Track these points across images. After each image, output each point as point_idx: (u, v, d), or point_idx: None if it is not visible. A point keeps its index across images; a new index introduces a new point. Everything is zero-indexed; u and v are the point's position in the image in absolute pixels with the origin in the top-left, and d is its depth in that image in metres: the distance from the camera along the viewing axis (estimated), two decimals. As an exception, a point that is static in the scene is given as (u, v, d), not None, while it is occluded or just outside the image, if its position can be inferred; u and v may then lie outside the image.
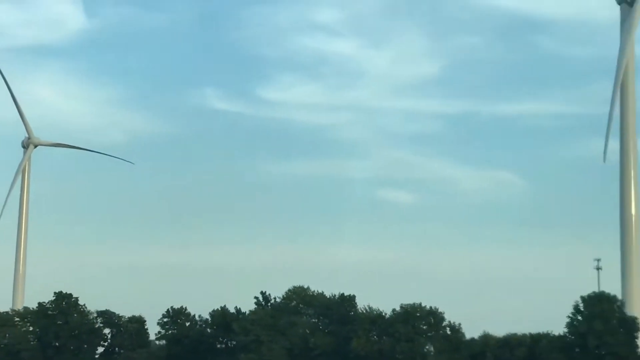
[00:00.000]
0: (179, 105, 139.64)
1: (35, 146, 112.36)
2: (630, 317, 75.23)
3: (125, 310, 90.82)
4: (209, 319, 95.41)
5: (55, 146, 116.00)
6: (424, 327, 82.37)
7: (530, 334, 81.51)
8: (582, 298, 74.49)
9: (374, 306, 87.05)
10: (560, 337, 78.73)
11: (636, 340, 74.78)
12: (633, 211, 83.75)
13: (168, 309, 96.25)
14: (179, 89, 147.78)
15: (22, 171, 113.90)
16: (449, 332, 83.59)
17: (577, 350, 73.94)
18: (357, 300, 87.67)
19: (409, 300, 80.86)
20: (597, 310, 72.13)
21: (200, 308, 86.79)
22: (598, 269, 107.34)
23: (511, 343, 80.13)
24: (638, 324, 75.29)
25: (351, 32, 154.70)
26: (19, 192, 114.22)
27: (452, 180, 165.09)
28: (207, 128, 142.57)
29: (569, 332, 77.10)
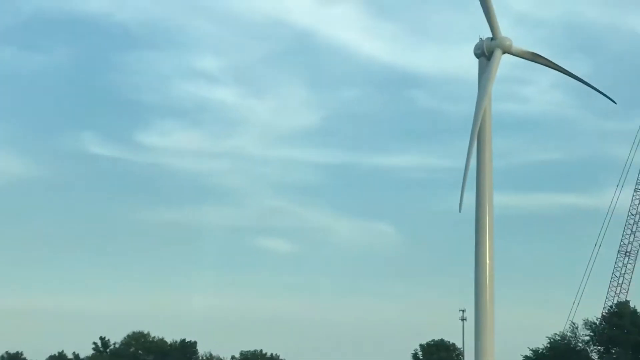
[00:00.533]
0: (56, 149, 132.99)
1: None
2: None
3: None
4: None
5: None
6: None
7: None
8: (421, 346, 74.11)
9: (215, 353, 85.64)
10: None
11: None
12: (487, 261, 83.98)
13: (3, 354, 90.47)
14: (56, 133, 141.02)
15: None
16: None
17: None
18: (199, 346, 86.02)
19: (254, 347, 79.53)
20: (435, 358, 71.95)
21: (38, 353, 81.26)
22: (463, 319, 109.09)
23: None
24: None
25: (233, 80, 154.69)
26: None
27: (329, 230, 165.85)
28: (83, 173, 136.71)
29: None
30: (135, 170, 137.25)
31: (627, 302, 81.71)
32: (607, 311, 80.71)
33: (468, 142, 73.71)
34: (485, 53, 79.17)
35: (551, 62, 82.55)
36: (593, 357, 70.57)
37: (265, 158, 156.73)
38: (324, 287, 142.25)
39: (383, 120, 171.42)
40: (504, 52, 78.63)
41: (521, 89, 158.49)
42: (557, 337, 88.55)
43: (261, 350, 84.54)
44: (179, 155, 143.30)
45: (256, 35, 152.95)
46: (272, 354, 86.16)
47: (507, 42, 76.96)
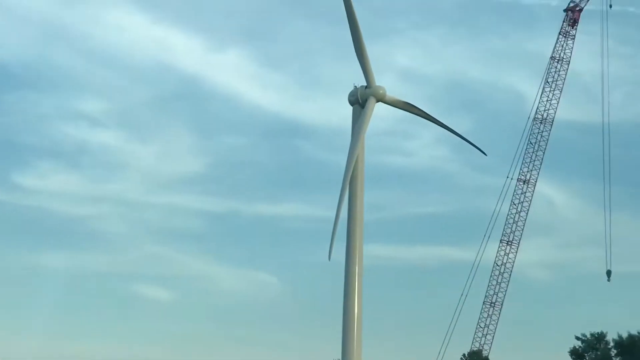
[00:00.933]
0: None
1: None
2: None
3: None
4: None
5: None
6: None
7: None
8: None
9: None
10: None
11: None
12: (355, 310, 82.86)
13: None
14: None
15: None
16: None
17: None
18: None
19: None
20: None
21: None
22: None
23: None
24: None
25: (116, 123, 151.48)
26: None
27: (210, 278, 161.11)
28: None
29: None
30: (12, 212, 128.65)
31: (480, 350, 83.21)
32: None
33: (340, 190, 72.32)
34: (360, 101, 78.86)
35: (423, 112, 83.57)
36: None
37: (147, 204, 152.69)
38: (203, 335, 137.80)
39: (268, 169, 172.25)
40: (377, 101, 78.28)
41: (406, 143, 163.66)
42: None
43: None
44: (58, 198, 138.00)
45: (142, 78, 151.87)
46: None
47: (381, 91, 76.59)
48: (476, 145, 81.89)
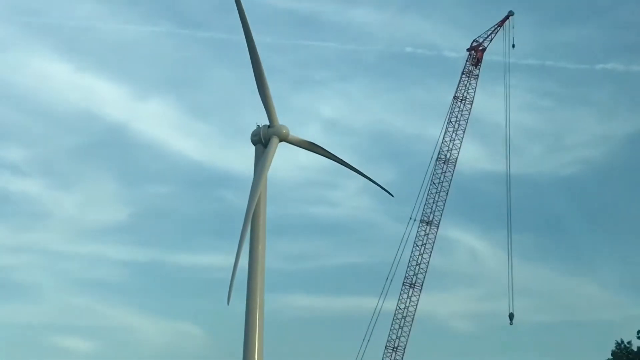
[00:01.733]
0: None
1: None
2: None
3: None
4: None
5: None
6: None
7: None
8: None
9: None
10: None
11: None
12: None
13: None
14: None
15: None
16: None
17: None
18: None
19: None
20: None
21: None
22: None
23: None
24: None
25: (38, 172, 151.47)
26: None
27: (133, 329, 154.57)
28: None
29: None
30: None
31: None
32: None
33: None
34: (262, 140, 75.97)
35: (327, 151, 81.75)
36: None
37: (69, 253, 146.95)
38: None
39: (192, 218, 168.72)
40: (281, 140, 75.75)
41: (331, 193, 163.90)
42: None
43: None
44: None
45: (66, 127, 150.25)
46: None
47: (284, 130, 73.80)
48: (382, 186, 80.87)
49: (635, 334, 75.46)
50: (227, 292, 65.99)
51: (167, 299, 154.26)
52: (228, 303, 71.61)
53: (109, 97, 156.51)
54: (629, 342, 72.91)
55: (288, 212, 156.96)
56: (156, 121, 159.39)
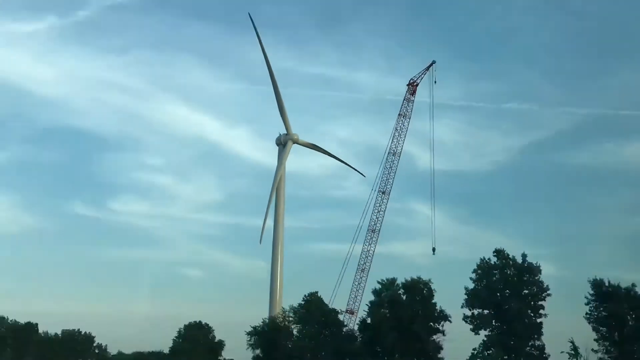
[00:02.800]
0: (58, 211, 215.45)
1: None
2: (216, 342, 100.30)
3: None
4: None
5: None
6: None
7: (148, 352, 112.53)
8: (184, 325, 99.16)
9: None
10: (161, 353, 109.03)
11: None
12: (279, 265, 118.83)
13: None
14: (58, 201, 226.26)
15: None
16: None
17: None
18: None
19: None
20: (191, 334, 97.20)
21: None
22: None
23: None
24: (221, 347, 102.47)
25: (170, 171, 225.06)
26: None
27: (226, 264, 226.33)
28: (74, 226, 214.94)
29: (170, 350, 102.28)
30: (106, 225, 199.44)
31: (316, 292, 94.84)
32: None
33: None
34: (282, 143, 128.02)
35: (325, 150, 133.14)
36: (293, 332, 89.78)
37: (189, 219, 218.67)
38: (219, 298, 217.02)
39: (249, 194, 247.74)
40: (293, 143, 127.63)
41: (342, 182, 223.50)
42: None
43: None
44: (134, 216, 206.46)
45: (185, 145, 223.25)
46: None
47: (295, 136, 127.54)
48: (357, 169, 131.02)
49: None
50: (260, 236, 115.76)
51: (245, 246, 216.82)
52: (260, 242, 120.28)
53: (210, 126, 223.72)
54: (489, 259, 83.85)
55: (317, 193, 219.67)
56: (239, 140, 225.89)
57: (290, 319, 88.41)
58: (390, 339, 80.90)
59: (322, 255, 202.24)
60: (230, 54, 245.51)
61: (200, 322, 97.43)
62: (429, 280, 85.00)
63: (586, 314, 79.80)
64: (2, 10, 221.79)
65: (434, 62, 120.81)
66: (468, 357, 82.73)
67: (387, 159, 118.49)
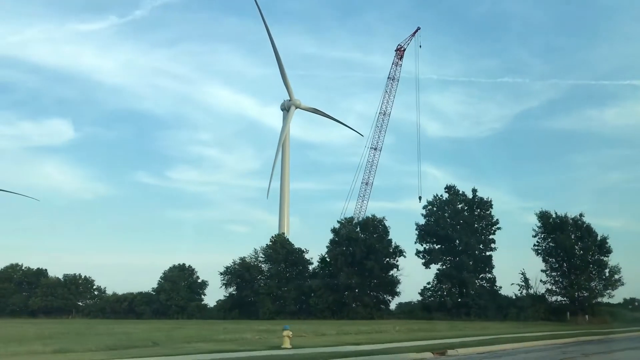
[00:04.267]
0: (126, 180, 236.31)
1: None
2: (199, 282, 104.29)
3: None
4: None
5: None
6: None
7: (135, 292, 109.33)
8: (169, 267, 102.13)
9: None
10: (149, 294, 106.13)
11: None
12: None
13: None
14: (125, 171, 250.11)
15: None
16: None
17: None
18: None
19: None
20: (174, 275, 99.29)
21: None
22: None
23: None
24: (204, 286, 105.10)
25: (216, 144, 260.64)
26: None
27: (265, 220, 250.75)
28: (139, 192, 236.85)
29: (155, 290, 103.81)
30: (164, 191, 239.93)
31: (282, 234, 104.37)
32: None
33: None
34: (286, 108, 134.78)
35: (326, 114, 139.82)
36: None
37: (232, 184, 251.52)
38: None
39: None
40: (296, 108, 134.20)
41: (356, 150, 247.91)
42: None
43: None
44: (188, 183, 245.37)
45: (229, 122, 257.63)
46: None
47: (298, 102, 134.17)
48: (355, 129, 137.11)
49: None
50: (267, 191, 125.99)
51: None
52: (267, 197, 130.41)
53: (248, 105, 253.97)
54: (441, 195, 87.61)
55: (334, 160, 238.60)
56: (271, 116, 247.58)
57: (260, 258, 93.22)
58: (345, 273, 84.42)
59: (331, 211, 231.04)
60: (262, 42, 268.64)
61: (183, 264, 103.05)
62: (383, 218, 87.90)
63: (534, 245, 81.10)
64: (69, 13, 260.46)
65: (418, 28, 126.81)
66: (420, 291, 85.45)
67: (378, 118, 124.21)
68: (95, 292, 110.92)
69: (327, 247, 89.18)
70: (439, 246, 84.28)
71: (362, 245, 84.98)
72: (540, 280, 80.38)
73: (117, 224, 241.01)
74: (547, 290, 80.00)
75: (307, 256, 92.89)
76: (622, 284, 78.21)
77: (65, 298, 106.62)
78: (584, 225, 79.26)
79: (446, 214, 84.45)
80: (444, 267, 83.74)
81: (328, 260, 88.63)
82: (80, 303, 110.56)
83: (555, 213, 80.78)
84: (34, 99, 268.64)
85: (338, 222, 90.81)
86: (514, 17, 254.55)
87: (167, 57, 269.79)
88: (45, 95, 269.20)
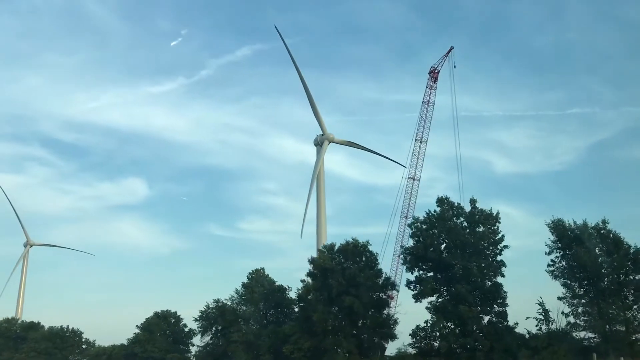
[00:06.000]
0: (197, 233, 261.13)
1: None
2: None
3: None
4: None
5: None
6: None
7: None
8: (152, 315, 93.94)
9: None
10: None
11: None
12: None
13: None
14: (197, 224, 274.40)
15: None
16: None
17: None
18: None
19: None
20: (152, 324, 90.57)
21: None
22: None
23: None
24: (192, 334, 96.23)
25: (284, 193, 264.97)
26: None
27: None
28: (210, 244, 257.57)
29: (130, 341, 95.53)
30: (236, 242, 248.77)
31: (262, 269, 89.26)
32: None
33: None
34: (319, 143, 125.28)
35: (361, 145, 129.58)
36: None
37: (298, 233, 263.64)
38: None
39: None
40: (329, 142, 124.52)
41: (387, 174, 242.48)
42: None
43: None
44: (257, 233, 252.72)
45: (293, 169, 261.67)
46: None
47: (331, 136, 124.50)
48: (395, 160, 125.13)
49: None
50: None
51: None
52: (301, 236, 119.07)
53: (312, 154, 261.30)
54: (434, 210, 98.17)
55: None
56: (336, 163, 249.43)
57: (236, 300, 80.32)
58: (320, 314, 69.28)
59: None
60: (323, 92, 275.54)
61: (168, 310, 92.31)
62: (367, 242, 72.29)
63: (548, 265, 62.46)
64: (141, 77, 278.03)
65: (452, 47, 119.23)
66: (411, 332, 67.73)
67: (414, 146, 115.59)
68: (84, 346, 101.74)
69: (301, 281, 74.73)
70: (431, 273, 67.52)
71: (340, 277, 70.02)
72: (562, 313, 61.27)
73: (193, 275, 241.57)
74: (569, 324, 60.69)
75: (292, 294, 78.67)
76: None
77: (49, 353, 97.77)
78: (611, 235, 60.04)
79: (441, 233, 67.81)
80: (440, 300, 66.54)
81: (303, 297, 73.79)
82: (71, 357, 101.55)
83: (574, 222, 62.15)
84: (110, 160, 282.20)
85: (318, 250, 77.35)
86: (580, 47, 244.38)
87: (234, 112, 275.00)
88: (121, 156, 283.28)
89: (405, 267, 69.04)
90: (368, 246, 71.56)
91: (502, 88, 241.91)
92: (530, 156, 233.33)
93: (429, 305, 66.03)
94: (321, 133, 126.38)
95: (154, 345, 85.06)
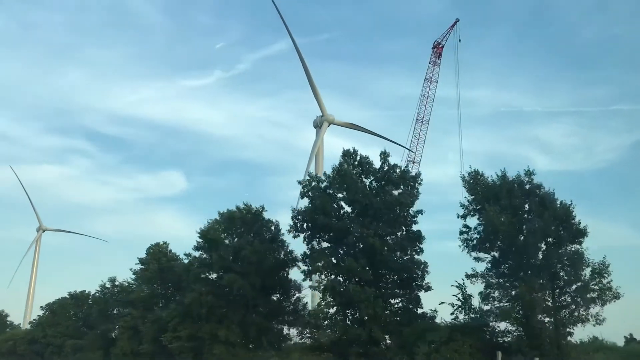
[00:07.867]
0: None
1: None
2: None
3: None
4: None
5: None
6: None
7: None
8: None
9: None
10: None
11: None
12: None
13: None
14: None
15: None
16: None
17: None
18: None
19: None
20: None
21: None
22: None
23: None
24: None
25: None
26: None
27: None
28: None
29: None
30: None
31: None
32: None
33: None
34: (319, 125, 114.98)
35: (362, 127, 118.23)
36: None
37: None
38: None
39: None
40: (329, 123, 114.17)
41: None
42: None
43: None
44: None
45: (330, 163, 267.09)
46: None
47: (331, 117, 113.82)
48: (400, 143, 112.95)
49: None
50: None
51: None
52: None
53: (349, 147, 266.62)
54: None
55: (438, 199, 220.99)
56: (373, 156, 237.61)
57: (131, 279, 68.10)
58: (197, 293, 56.14)
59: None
60: (358, 86, 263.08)
61: (83, 291, 79.44)
62: (262, 207, 58.11)
63: (460, 233, 45.07)
64: (179, 71, 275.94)
65: (457, 20, 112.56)
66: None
67: (414, 127, 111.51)
68: (8, 330, 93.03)
69: (185, 254, 61.28)
70: (324, 244, 52.51)
71: (231, 252, 56.70)
72: (480, 296, 44.62)
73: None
74: (481, 311, 43.96)
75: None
76: (618, 297, 40.23)
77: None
78: (538, 192, 43.13)
79: (340, 193, 52.86)
80: (331, 275, 51.37)
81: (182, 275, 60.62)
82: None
83: (498, 175, 45.51)
84: (150, 153, 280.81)
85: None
86: (624, 42, 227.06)
87: (270, 106, 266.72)
88: (160, 149, 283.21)
89: (302, 238, 53.76)
90: (263, 212, 57.70)
91: (541, 84, 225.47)
92: (570, 153, 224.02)
93: (315, 284, 51.38)
94: (320, 114, 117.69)
95: (56, 330, 74.45)
